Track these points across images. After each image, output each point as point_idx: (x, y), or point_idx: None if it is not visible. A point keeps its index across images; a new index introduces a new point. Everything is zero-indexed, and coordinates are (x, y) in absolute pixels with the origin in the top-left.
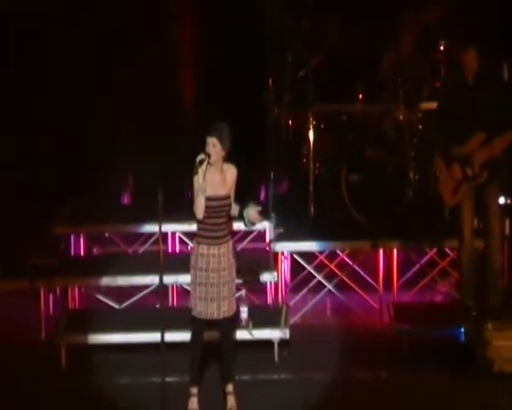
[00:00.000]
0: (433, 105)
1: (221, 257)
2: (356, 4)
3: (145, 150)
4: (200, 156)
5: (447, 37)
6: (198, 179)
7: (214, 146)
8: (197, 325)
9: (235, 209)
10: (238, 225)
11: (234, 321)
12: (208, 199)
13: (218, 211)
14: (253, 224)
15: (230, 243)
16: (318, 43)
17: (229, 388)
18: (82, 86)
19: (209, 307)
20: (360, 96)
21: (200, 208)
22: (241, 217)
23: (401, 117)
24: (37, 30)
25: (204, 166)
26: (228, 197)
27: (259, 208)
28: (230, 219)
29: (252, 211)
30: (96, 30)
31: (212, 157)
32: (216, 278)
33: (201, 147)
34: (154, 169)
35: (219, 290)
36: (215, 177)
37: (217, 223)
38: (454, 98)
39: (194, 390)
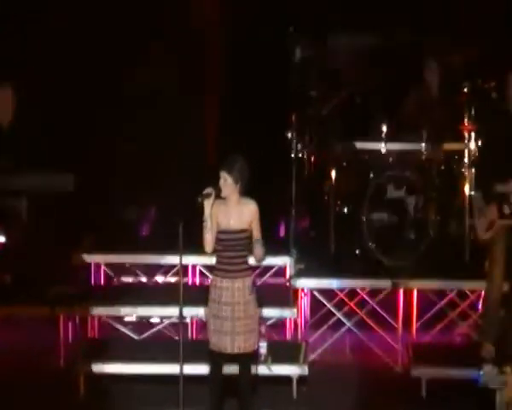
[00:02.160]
0: (455, 146)
1: (235, 291)
2: (382, 45)
3: (166, 182)
4: (207, 190)
5: (473, 78)
6: (204, 213)
7: (225, 180)
8: (214, 358)
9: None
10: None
11: (252, 357)
12: (221, 232)
13: (232, 245)
14: (258, 260)
15: (248, 278)
16: (342, 81)
17: None
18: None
19: (222, 341)
20: (382, 135)
21: (205, 242)
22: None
23: (423, 157)
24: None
25: (211, 199)
26: (242, 232)
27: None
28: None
29: (256, 248)
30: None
31: (223, 191)
32: (229, 311)
33: None
34: (175, 201)
35: (233, 325)
36: (229, 210)
37: (231, 256)
38: (497, 134)
39: None
